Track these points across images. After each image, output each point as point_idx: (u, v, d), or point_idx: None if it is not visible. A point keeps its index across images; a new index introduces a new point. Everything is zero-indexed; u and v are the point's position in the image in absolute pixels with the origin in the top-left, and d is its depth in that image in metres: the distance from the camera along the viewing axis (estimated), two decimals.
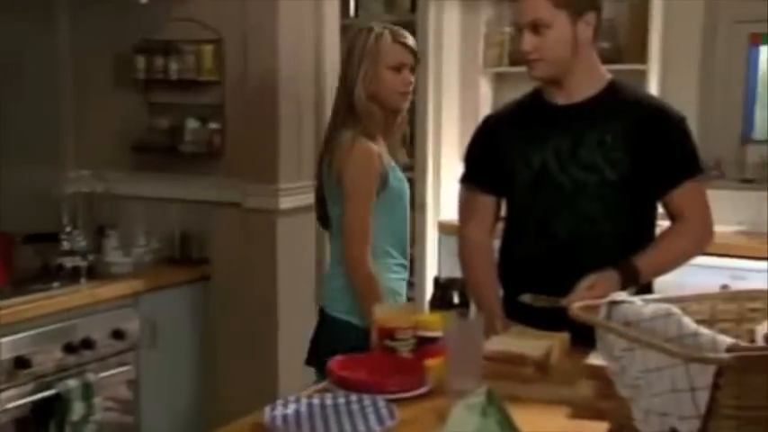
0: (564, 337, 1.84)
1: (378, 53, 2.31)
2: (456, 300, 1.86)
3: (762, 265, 3.33)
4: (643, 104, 2.06)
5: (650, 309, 1.30)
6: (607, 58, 3.74)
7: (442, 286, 1.90)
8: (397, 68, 2.33)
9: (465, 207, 2.24)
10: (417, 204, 4.09)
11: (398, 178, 2.37)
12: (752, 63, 3.94)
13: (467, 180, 2.23)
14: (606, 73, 2.09)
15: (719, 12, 3.91)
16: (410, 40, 2.40)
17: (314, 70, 3.12)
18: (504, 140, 2.11)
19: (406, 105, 2.43)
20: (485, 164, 2.17)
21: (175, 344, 3.12)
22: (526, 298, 1.95)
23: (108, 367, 2.80)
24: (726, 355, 1.12)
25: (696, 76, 3.90)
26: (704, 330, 1.20)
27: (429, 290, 3.98)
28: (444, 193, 4.05)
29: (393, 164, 2.37)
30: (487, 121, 2.27)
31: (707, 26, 3.91)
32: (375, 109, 2.33)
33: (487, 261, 2.17)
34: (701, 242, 2.06)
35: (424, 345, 1.75)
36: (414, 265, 4.13)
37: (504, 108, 2.28)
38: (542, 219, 2.05)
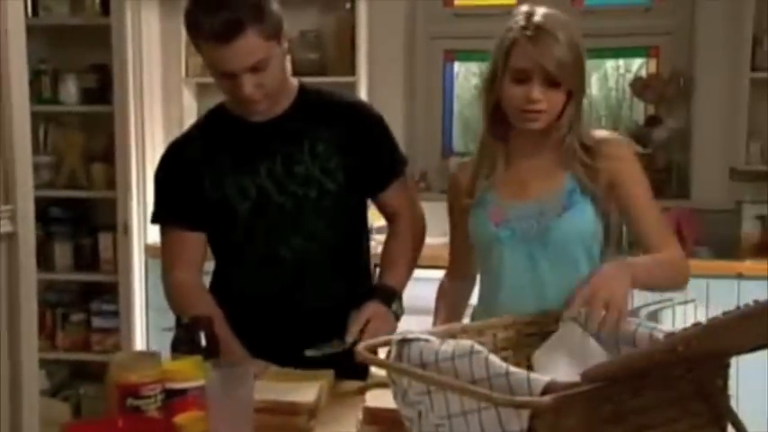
0: (328, 374, 1.71)
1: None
2: (204, 342, 1.65)
3: None
4: (343, 106, 1.95)
5: (450, 347, 1.20)
6: (314, 70, 3.76)
7: (186, 326, 1.67)
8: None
9: (167, 249, 1.94)
10: (120, 226, 3.74)
11: None
12: (447, 78, 4.12)
13: (163, 220, 1.94)
14: (293, 80, 1.95)
15: (417, 27, 4.03)
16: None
17: None
18: (203, 173, 1.87)
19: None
20: (183, 200, 1.90)
21: None
22: (310, 353, 1.75)
23: None
24: (547, 398, 1.05)
25: (401, 89, 3.99)
26: (515, 369, 1.13)
27: (138, 321, 3.73)
28: (150, 213, 3.72)
29: None
30: (172, 153, 1.95)
31: (407, 41, 4.01)
32: None
33: (208, 302, 1.90)
34: (420, 232, 2.04)
35: (171, 398, 1.51)
36: (117, 295, 3.78)
37: (188, 135, 1.99)
38: (266, 245, 1.89)
